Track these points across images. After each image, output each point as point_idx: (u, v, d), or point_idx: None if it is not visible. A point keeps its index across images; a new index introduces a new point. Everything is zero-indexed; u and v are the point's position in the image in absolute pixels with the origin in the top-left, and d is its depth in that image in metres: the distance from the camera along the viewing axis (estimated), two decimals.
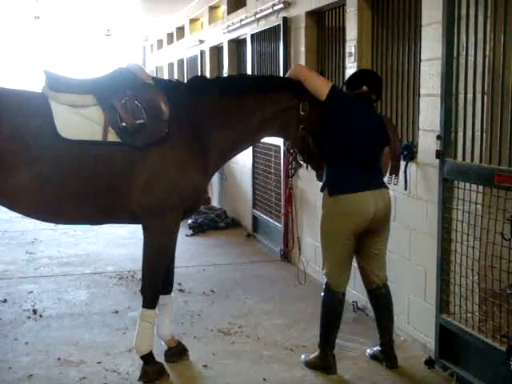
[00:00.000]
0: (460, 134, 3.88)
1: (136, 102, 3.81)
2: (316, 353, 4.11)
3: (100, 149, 3.77)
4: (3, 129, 3.68)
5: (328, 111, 3.89)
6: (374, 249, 4.05)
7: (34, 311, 5.26)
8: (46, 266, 6.81)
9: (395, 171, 4.20)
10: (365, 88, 3.96)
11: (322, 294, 4.07)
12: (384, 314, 4.16)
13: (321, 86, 3.92)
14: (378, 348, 4.23)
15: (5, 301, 5.57)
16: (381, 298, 4.14)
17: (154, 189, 3.82)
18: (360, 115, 3.92)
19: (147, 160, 3.81)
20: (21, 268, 6.71)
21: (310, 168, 4.33)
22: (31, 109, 3.79)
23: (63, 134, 3.72)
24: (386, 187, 4.04)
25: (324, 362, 4.06)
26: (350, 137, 3.89)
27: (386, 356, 4.16)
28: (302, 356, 4.21)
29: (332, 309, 4.03)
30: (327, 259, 4.03)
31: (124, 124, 3.76)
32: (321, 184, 4.06)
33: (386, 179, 4.12)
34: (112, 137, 3.77)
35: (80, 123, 3.77)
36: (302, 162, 4.29)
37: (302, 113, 3.95)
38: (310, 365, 4.12)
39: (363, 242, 4.00)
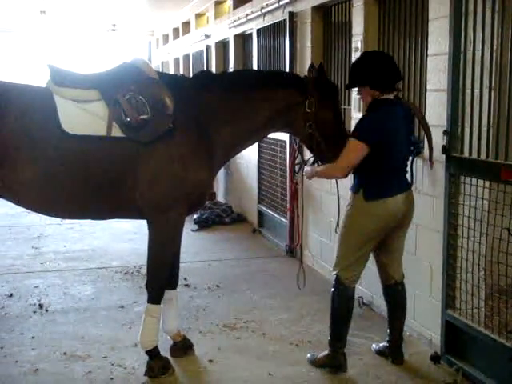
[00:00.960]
0: (467, 129, 3.87)
1: (140, 97, 3.80)
2: (325, 351, 4.05)
3: (104, 144, 3.77)
4: (8, 124, 3.69)
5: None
6: (395, 244, 4.04)
7: (40, 306, 5.28)
8: (52, 260, 6.83)
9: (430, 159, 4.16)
10: (400, 88, 3.94)
11: (333, 289, 4.00)
12: (397, 312, 4.15)
13: (353, 152, 3.77)
14: (384, 344, 4.23)
15: (11, 295, 5.58)
16: (397, 296, 4.13)
17: (158, 184, 3.82)
18: (393, 127, 3.80)
19: (152, 155, 3.81)
20: (27, 263, 6.73)
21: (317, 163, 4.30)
22: (35, 103, 3.79)
23: (67, 129, 3.72)
24: (411, 185, 4.05)
25: (334, 361, 4.00)
26: (390, 151, 3.81)
27: (393, 352, 4.16)
28: (308, 355, 4.16)
29: (344, 303, 3.98)
30: (346, 256, 3.94)
31: (128, 119, 3.76)
32: (351, 185, 4.00)
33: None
34: (116, 132, 3.77)
35: (84, 118, 3.77)
36: (307, 159, 4.27)
37: (308, 110, 3.93)
38: (318, 364, 4.06)
39: (389, 239, 3.99)
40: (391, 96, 3.85)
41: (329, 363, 4.01)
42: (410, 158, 4.35)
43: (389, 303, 4.19)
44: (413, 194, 4.04)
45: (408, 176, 4.36)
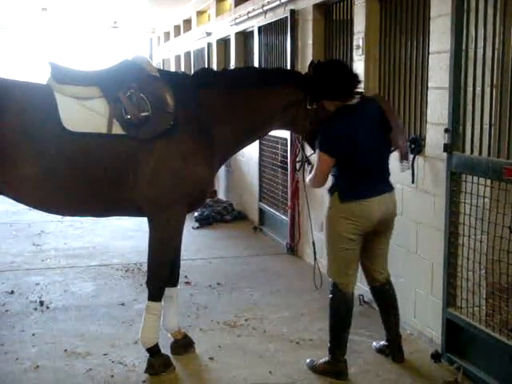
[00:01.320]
0: (468, 127, 3.86)
1: (141, 95, 3.80)
2: (325, 358, 3.99)
3: (105, 141, 3.77)
4: (8, 120, 3.68)
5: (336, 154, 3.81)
6: (377, 248, 4.02)
7: (41, 303, 5.28)
8: (53, 257, 6.83)
9: (405, 156, 4.01)
10: (353, 101, 3.82)
11: (330, 295, 3.98)
12: (389, 311, 4.14)
13: (321, 163, 3.82)
14: (384, 343, 4.22)
15: (12, 292, 5.59)
16: (385, 295, 4.12)
17: (159, 181, 3.82)
18: (350, 134, 3.77)
19: (152, 153, 3.80)
20: (28, 260, 6.73)
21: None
22: (36, 100, 3.79)
23: (68, 126, 3.72)
24: (393, 189, 3.99)
25: (334, 368, 3.93)
26: (353, 157, 3.78)
27: (393, 351, 4.16)
28: (308, 360, 4.10)
29: (342, 309, 3.94)
30: (334, 260, 3.94)
31: (129, 116, 3.75)
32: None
33: (398, 165, 4.01)
34: (117, 129, 3.77)
35: (85, 115, 3.77)
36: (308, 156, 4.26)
37: (309, 106, 3.92)
38: (318, 371, 3.99)
39: (367, 241, 3.96)
40: (354, 101, 3.82)
41: (329, 370, 3.94)
42: (411, 156, 4.35)
43: (378, 304, 4.18)
44: (395, 198, 3.97)
45: (408, 174, 4.37)
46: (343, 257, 3.90)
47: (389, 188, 3.95)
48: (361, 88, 3.88)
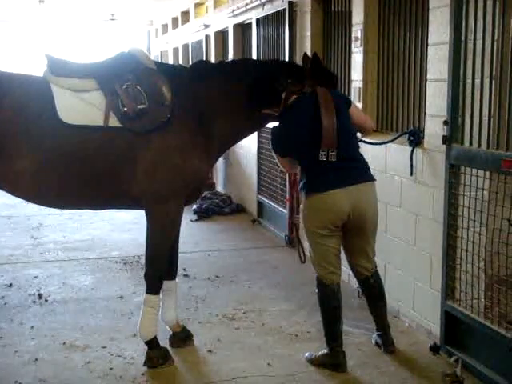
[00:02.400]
0: (467, 119, 3.85)
1: (138, 87, 3.78)
2: (323, 350, 3.99)
3: (101, 134, 3.76)
4: (4, 113, 3.67)
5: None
6: (356, 244, 3.98)
7: (40, 296, 5.28)
8: (51, 250, 6.82)
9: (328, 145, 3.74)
10: (277, 86, 3.87)
11: (316, 290, 3.99)
12: (376, 302, 4.14)
13: (278, 161, 4.11)
14: (377, 333, 4.23)
15: (10, 285, 5.58)
16: (372, 288, 4.11)
17: (156, 174, 3.81)
18: (294, 133, 3.83)
19: (149, 145, 3.79)
20: (26, 253, 6.72)
21: None
22: (32, 93, 3.78)
23: (64, 119, 3.70)
24: (368, 180, 3.88)
25: (333, 360, 3.93)
26: (301, 152, 3.85)
27: (383, 341, 4.16)
28: (307, 354, 4.09)
29: (329, 303, 3.93)
30: (313, 254, 3.96)
31: (125, 109, 3.74)
32: None
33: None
34: (113, 122, 3.75)
35: (81, 108, 3.75)
36: None
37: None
38: (317, 363, 3.98)
39: (348, 238, 3.94)
40: (293, 97, 3.86)
41: (328, 362, 3.94)
42: (410, 148, 4.34)
43: (366, 296, 4.18)
44: (370, 190, 3.88)
45: (407, 167, 4.36)
46: (319, 251, 3.90)
47: (359, 179, 3.83)
48: (296, 82, 3.88)
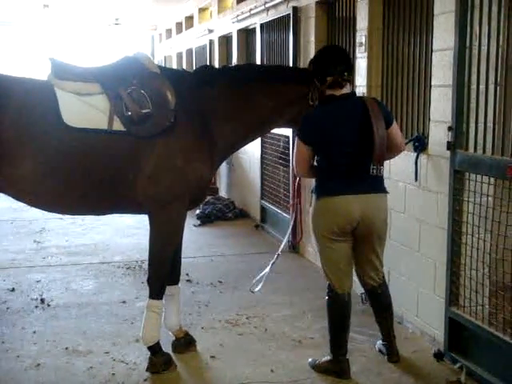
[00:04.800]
0: (472, 125, 3.84)
1: (142, 92, 3.79)
2: (327, 357, 3.97)
3: (105, 138, 3.76)
4: (8, 116, 3.67)
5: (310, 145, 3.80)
6: (363, 255, 3.93)
7: (42, 300, 5.27)
8: (54, 255, 6.82)
9: (378, 163, 3.76)
10: (329, 79, 3.72)
11: (326, 297, 3.94)
12: (383, 313, 4.10)
13: (297, 151, 3.85)
14: (381, 341, 4.20)
15: (13, 290, 5.58)
16: (378, 298, 4.07)
17: (159, 179, 3.80)
18: (329, 126, 3.72)
19: (153, 149, 3.79)
20: (29, 257, 6.72)
21: None
22: (37, 97, 3.78)
23: (68, 123, 3.70)
24: (381, 192, 3.86)
25: (336, 367, 3.90)
26: (328, 150, 3.76)
27: (388, 350, 4.13)
28: (310, 360, 4.07)
29: (338, 312, 3.90)
30: (322, 260, 3.92)
31: (129, 113, 3.74)
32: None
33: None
34: (117, 126, 3.75)
35: (85, 111, 3.75)
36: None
37: (311, 102, 3.92)
38: (320, 369, 3.96)
39: (354, 247, 3.90)
40: (338, 92, 3.75)
41: (331, 369, 3.91)
42: (415, 154, 4.33)
43: (373, 306, 4.13)
44: (381, 202, 3.85)
45: (411, 172, 4.35)
46: (328, 256, 3.86)
47: (372, 190, 3.80)
48: (348, 78, 3.81)
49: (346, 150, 3.72)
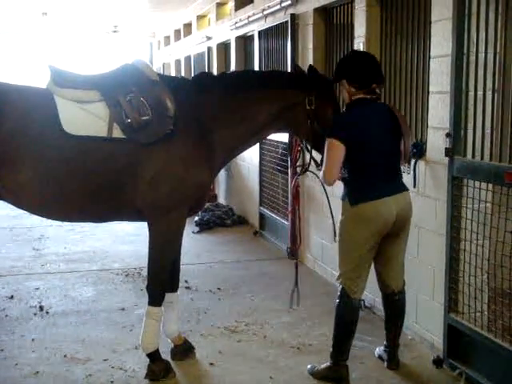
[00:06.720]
0: (470, 131, 3.85)
1: (141, 99, 3.79)
2: (326, 363, 3.95)
3: (105, 145, 3.76)
4: (8, 124, 3.67)
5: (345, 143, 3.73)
6: (389, 252, 3.92)
7: (41, 308, 5.26)
8: (53, 262, 6.81)
9: (407, 160, 4.03)
10: (374, 86, 3.78)
11: (337, 300, 3.90)
12: (395, 321, 4.08)
13: (332, 151, 3.74)
14: (382, 348, 4.20)
15: (11, 297, 5.57)
16: (395, 305, 4.04)
17: (159, 186, 3.81)
18: (364, 127, 3.74)
19: (152, 157, 3.79)
20: (27, 264, 6.71)
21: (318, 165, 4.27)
22: (36, 104, 3.79)
23: (68, 130, 3.71)
24: (407, 189, 3.92)
25: (336, 373, 3.89)
26: (364, 150, 3.74)
27: (389, 357, 4.13)
28: (309, 366, 4.06)
29: (348, 316, 3.88)
30: (346, 265, 3.85)
31: (129, 120, 3.75)
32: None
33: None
34: (117, 133, 3.76)
35: (85, 119, 3.76)
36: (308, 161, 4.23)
37: (308, 107, 3.92)
38: (319, 376, 3.95)
39: (383, 246, 3.87)
40: (368, 96, 3.78)
41: (330, 375, 3.90)
42: (413, 161, 4.34)
43: (386, 312, 4.12)
44: (409, 199, 3.90)
45: (410, 179, 4.36)
46: (357, 264, 3.81)
47: (402, 188, 3.88)
48: (379, 85, 3.87)
49: (383, 148, 3.77)
